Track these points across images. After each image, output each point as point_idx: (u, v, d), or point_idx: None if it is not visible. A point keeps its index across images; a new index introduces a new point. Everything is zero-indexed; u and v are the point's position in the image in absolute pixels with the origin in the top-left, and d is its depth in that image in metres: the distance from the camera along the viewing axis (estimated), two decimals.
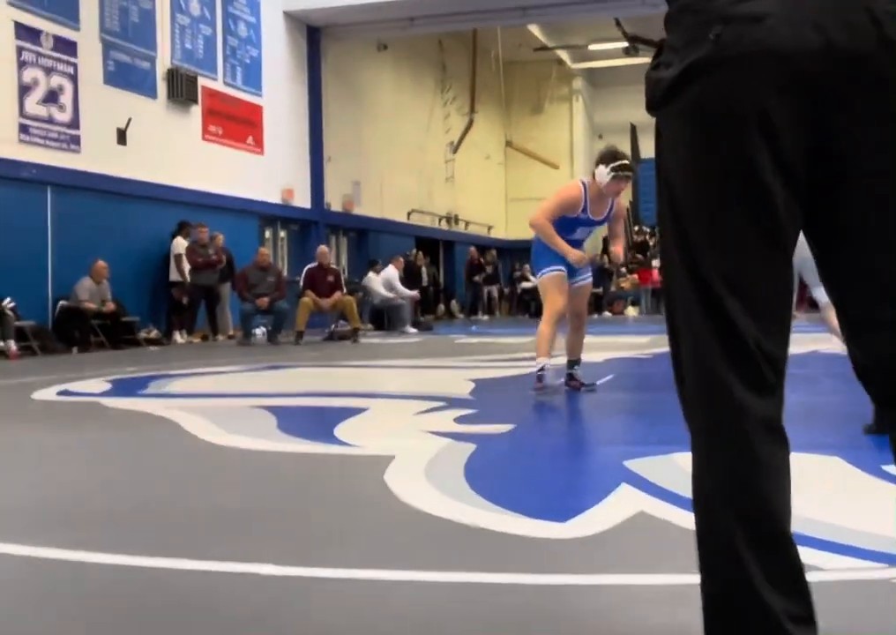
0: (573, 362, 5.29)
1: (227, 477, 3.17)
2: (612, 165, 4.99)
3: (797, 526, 2.20)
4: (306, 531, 2.41)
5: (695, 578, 1.82)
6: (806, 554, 1.96)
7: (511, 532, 2.28)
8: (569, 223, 5.06)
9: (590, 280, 5.32)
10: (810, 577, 1.66)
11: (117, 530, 2.42)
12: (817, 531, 2.18)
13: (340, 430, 4.00)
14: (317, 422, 4.49)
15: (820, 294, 4.37)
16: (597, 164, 5.06)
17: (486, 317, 20.14)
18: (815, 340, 9.86)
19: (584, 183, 5.15)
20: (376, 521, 2.51)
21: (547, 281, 5.11)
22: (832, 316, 4.30)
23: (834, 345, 9.28)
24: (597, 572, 1.96)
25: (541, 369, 5.02)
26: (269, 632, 1.69)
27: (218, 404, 5.18)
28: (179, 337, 11.66)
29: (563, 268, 5.08)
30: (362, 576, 1.97)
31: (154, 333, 11.57)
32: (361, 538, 2.34)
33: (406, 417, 4.47)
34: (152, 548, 2.20)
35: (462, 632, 1.68)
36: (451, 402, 4.87)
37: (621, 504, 2.54)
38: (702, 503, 1.30)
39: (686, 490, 2.62)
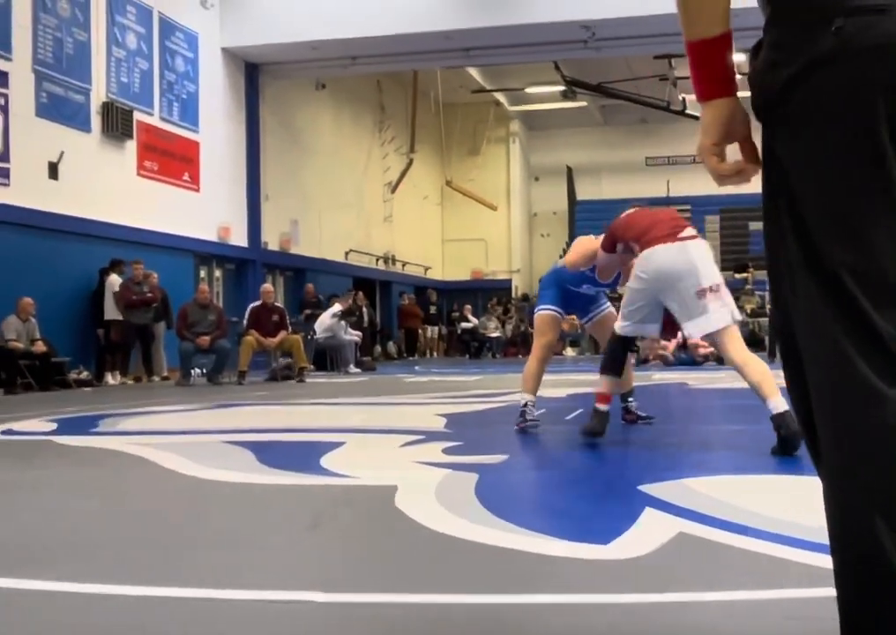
0: (626, 395, 5.06)
1: (230, 510, 2.98)
2: None
3: (815, 535, 2.14)
4: (332, 557, 2.27)
5: (756, 594, 1.81)
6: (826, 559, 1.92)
7: (554, 554, 2.18)
8: (578, 276, 4.89)
9: (608, 307, 5.11)
10: None
11: (134, 561, 2.21)
12: None
13: (327, 462, 3.81)
14: (297, 455, 4.25)
15: (693, 329, 4.01)
16: None
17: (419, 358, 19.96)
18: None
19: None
20: (404, 546, 2.38)
21: (539, 318, 5.02)
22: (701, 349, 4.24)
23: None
24: (661, 591, 1.88)
25: (525, 404, 4.86)
26: None
27: (185, 440, 4.88)
28: (111, 378, 11.13)
29: (558, 310, 4.99)
30: (416, 600, 1.85)
31: (85, 374, 11.03)
32: (391, 562, 2.22)
33: (391, 449, 4.30)
34: (182, 578, 2.03)
35: None
36: (430, 435, 4.72)
37: (656, 526, 2.46)
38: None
39: (715, 512, 2.56)
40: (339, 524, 2.68)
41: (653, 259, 4.04)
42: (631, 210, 4.54)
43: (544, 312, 4.98)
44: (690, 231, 4.15)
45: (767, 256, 1.25)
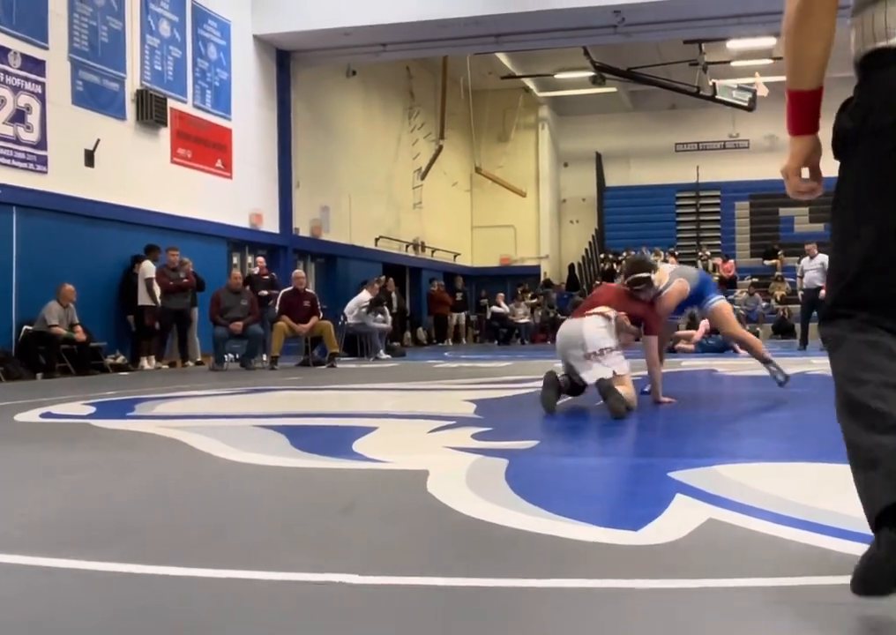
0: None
1: (266, 492, 3.03)
2: (626, 281, 5.58)
3: (844, 523, 2.16)
4: (372, 542, 2.30)
5: (790, 581, 1.83)
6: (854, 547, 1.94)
7: (585, 539, 2.21)
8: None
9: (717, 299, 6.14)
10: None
11: (180, 543, 2.28)
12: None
13: (359, 447, 3.87)
14: (330, 439, 4.31)
15: (586, 377, 5.14)
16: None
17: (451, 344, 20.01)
18: (801, 363, 9.94)
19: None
20: (436, 530, 2.42)
21: (727, 307, 6.23)
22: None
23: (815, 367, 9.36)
24: (690, 577, 1.90)
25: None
26: None
27: (219, 424, 4.97)
28: (147, 363, 11.31)
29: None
30: (452, 584, 1.89)
31: (121, 359, 11.23)
32: (425, 546, 2.26)
33: (421, 435, 4.35)
34: (220, 559, 2.08)
35: None
36: (460, 421, 4.76)
37: (686, 513, 2.48)
38: None
39: (745, 498, 2.58)
40: (372, 508, 2.73)
41: (560, 329, 5.51)
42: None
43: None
44: (597, 309, 5.31)
45: None
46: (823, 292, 13.41)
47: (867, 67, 1.63)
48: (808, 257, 13.49)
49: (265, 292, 12.25)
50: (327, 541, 2.29)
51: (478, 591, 1.85)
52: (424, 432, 4.41)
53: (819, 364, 9.40)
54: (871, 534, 1.57)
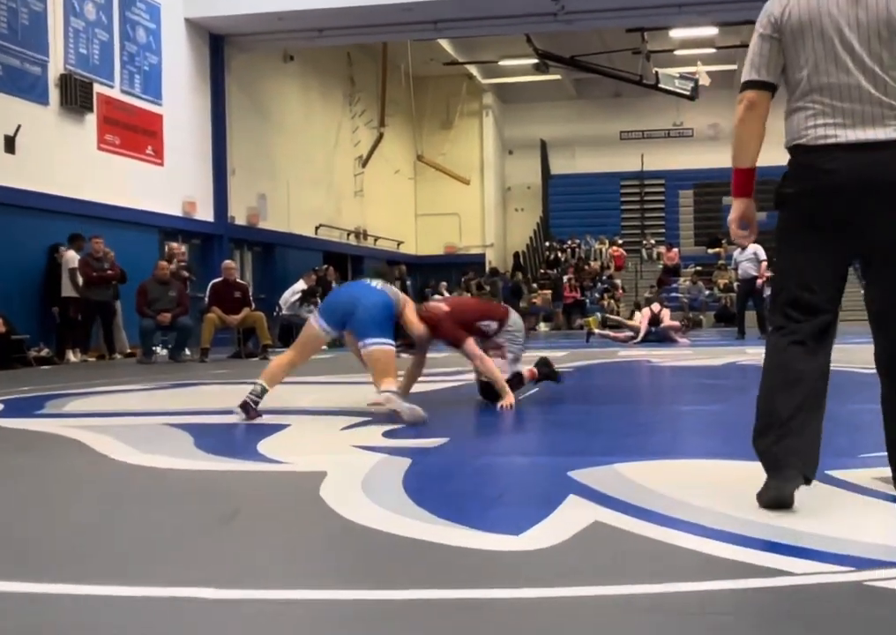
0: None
1: (147, 498, 2.92)
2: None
3: (753, 531, 2.14)
4: (243, 551, 2.21)
5: (661, 588, 1.78)
6: (765, 558, 1.97)
7: (465, 546, 2.16)
8: None
9: None
10: (779, 582, 1.82)
11: (36, 556, 2.16)
12: (772, 535, 2.18)
13: (264, 447, 3.77)
14: (237, 439, 4.20)
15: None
16: None
17: None
18: (729, 353, 10.03)
19: None
20: (317, 538, 2.36)
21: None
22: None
23: (748, 357, 9.43)
24: (559, 585, 1.85)
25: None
26: None
27: (126, 423, 4.81)
28: (73, 355, 10.99)
29: None
30: (307, 597, 1.82)
31: (45, 352, 10.88)
32: (303, 556, 2.19)
33: (333, 432, 4.27)
34: (81, 574, 1.97)
35: None
36: (376, 417, 4.69)
37: (573, 515, 2.44)
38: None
39: (636, 499, 2.53)
40: (256, 514, 2.63)
41: None
42: None
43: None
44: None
45: None
46: (759, 281, 13.58)
47: (792, 152, 2.50)
48: (739, 249, 13.41)
49: (186, 274, 11.91)
50: (195, 553, 2.19)
51: (329, 604, 1.76)
52: (336, 429, 4.32)
53: (753, 354, 9.50)
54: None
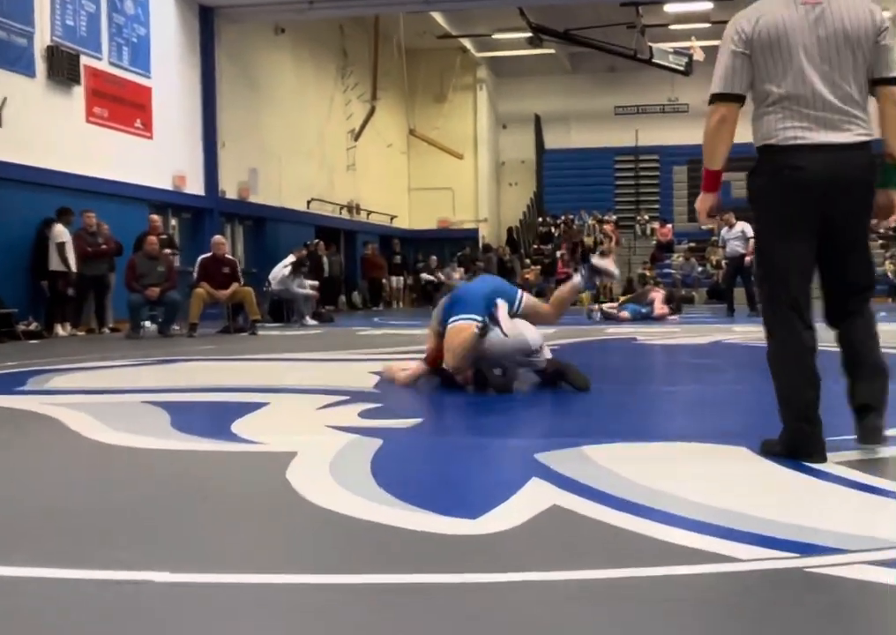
0: None
1: (114, 478, 2.93)
2: None
3: (710, 516, 2.16)
4: (204, 535, 2.23)
5: (613, 573, 1.82)
6: (718, 545, 1.98)
7: (419, 529, 2.18)
8: None
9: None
10: (725, 568, 1.84)
11: (2, 537, 2.17)
12: (729, 521, 2.19)
13: (238, 427, 3.78)
14: (213, 418, 4.21)
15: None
16: None
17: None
18: (717, 330, 10.06)
19: None
20: (278, 521, 2.37)
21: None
22: None
23: (735, 335, 9.46)
24: (510, 570, 1.86)
25: None
26: None
27: (105, 400, 4.82)
28: (62, 330, 10.98)
29: None
30: (267, 581, 1.83)
31: (34, 326, 10.87)
32: (263, 540, 2.20)
33: (308, 412, 4.28)
34: (36, 556, 1.99)
35: None
36: (355, 396, 4.69)
37: (533, 499, 2.45)
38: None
39: (599, 483, 2.55)
40: (219, 497, 2.65)
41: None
42: None
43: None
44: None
45: None
46: (747, 259, 13.53)
47: (761, 152, 2.85)
48: (727, 227, 13.34)
49: (168, 250, 11.80)
50: (154, 536, 2.20)
51: (297, 588, 1.78)
52: (313, 409, 4.33)
53: (741, 332, 9.53)
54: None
